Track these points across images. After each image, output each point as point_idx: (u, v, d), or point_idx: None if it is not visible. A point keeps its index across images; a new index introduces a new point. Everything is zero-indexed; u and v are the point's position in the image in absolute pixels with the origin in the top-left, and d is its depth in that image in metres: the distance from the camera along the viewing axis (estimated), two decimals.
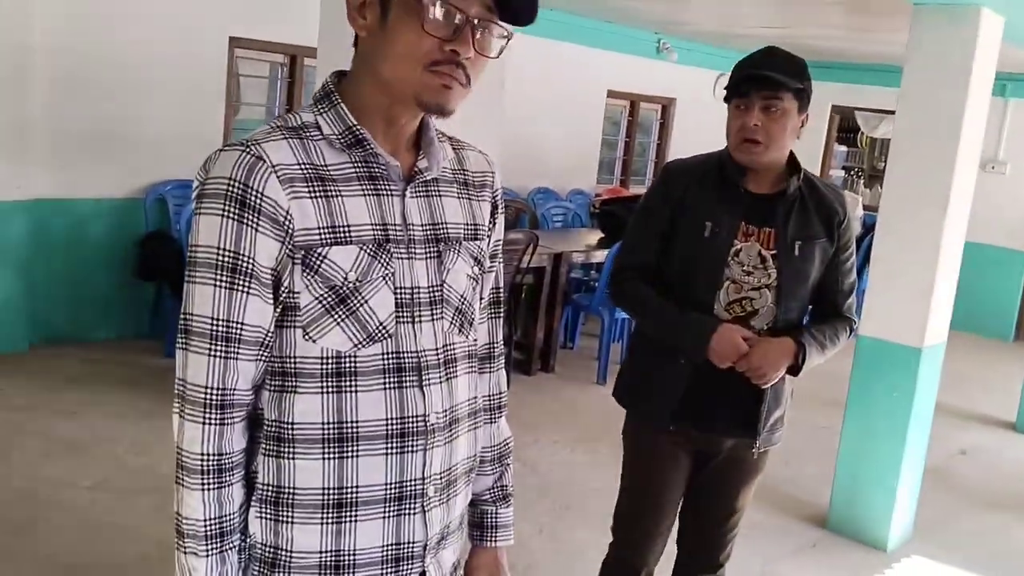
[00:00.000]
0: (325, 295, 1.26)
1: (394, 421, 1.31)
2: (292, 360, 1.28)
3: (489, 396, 1.55)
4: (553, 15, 7.85)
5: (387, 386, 1.30)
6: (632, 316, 2.60)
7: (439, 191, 1.38)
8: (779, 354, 2.31)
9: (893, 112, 4.10)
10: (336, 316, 1.27)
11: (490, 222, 1.48)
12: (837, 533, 4.33)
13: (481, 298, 1.47)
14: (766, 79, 2.24)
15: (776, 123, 2.28)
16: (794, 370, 2.37)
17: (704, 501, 2.59)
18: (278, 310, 1.27)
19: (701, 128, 10.24)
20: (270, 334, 1.27)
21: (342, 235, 1.26)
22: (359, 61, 1.31)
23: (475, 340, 1.46)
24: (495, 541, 1.57)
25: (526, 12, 1.28)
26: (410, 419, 1.32)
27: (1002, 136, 9.10)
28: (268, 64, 7.01)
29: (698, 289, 2.35)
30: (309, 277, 1.25)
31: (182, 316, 1.26)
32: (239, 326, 1.24)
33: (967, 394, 6.86)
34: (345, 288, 1.27)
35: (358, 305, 1.28)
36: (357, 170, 1.29)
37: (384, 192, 1.30)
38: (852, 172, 13.28)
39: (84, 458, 4.30)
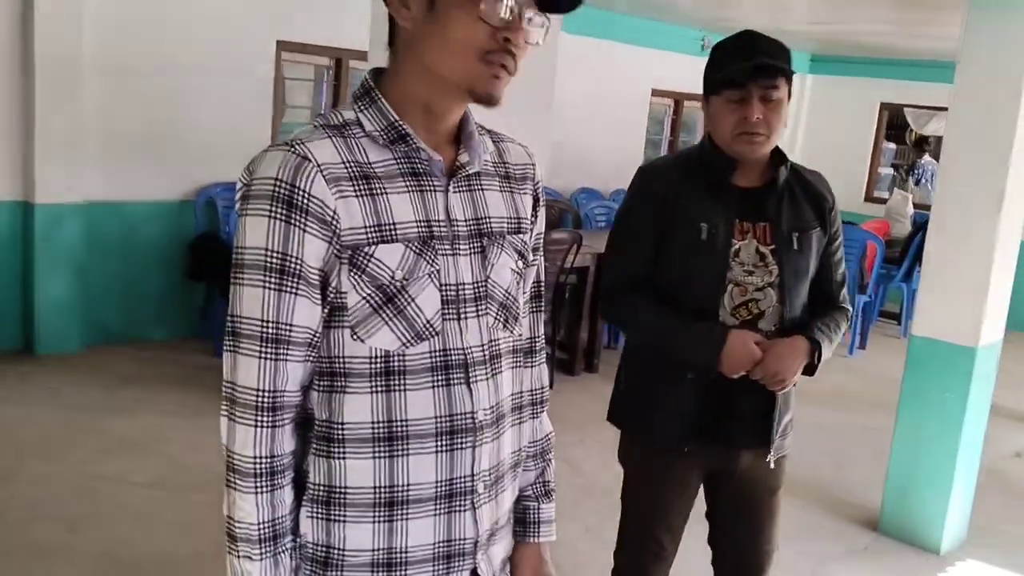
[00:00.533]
0: (373, 294, 1.25)
1: (443, 419, 1.30)
2: (341, 360, 1.28)
3: (532, 391, 1.53)
4: (596, 13, 7.83)
5: (435, 384, 1.30)
6: (630, 334, 2.40)
7: (481, 185, 1.37)
8: (794, 355, 2.20)
9: (944, 109, 4.02)
10: (384, 315, 1.26)
11: (532, 215, 1.46)
12: (889, 536, 4.26)
13: (523, 292, 1.46)
14: (765, 68, 2.11)
15: (775, 113, 2.14)
16: (810, 369, 2.26)
17: (731, 527, 2.45)
18: (326, 310, 1.26)
19: None
20: (318, 335, 1.27)
21: (388, 233, 1.25)
22: (402, 54, 1.29)
23: (519, 335, 1.45)
24: (538, 537, 1.56)
25: (565, 9, 1.29)
26: (459, 416, 1.32)
27: None
28: (313, 67, 7.07)
29: (700, 296, 2.21)
30: (356, 276, 1.24)
31: (229, 318, 1.26)
32: (288, 327, 1.23)
33: (1023, 395, 6.71)
34: (392, 287, 1.26)
35: (405, 304, 1.27)
36: (400, 166, 1.28)
37: (428, 188, 1.29)
38: (900, 169, 13.07)
39: (139, 456, 4.38)
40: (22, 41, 5.35)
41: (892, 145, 12.55)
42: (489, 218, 1.37)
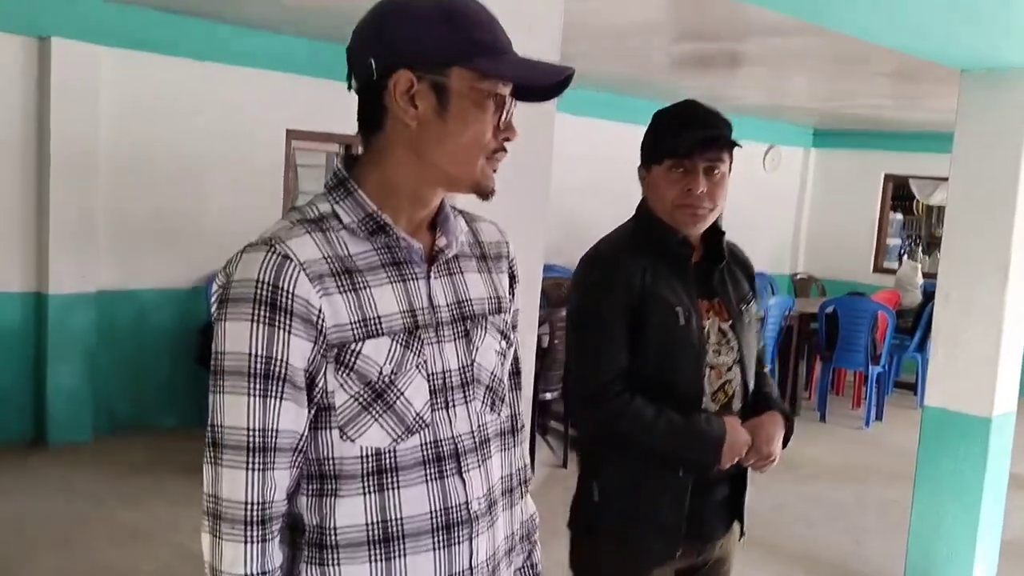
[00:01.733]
0: (361, 392, 1.22)
1: (438, 513, 1.27)
2: (330, 462, 1.24)
3: (516, 471, 1.47)
4: (597, 96, 7.98)
5: (428, 478, 1.27)
6: (633, 441, 2.07)
7: (460, 267, 1.36)
8: (778, 432, 2.12)
9: (947, 179, 4.06)
10: (373, 412, 1.23)
11: (510, 293, 1.46)
12: None
13: (506, 372, 1.45)
14: (714, 140, 2.04)
15: (719, 187, 2.07)
16: (785, 441, 2.17)
17: None
18: (312, 412, 1.23)
19: (750, 200, 10.24)
20: (304, 438, 1.22)
21: (374, 328, 1.22)
22: (394, 147, 1.27)
23: (506, 416, 1.43)
24: None
25: (546, 98, 1.33)
26: (453, 509, 1.29)
27: None
28: (324, 153, 7.21)
29: (684, 385, 2.06)
30: (344, 375, 1.21)
31: (210, 428, 1.20)
32: (274, 433, 1.19)
33: None
34: (381, 382, 1.23)
35: (395, 398, 1.24)
36: (381, 257, 1.26)
37: (409, 277, 1.28)
38: (909, 240, 13.10)
39: (148, 545, 4.33)
40: (37, 133, 5.48)
41: (899, 215, 12.59)
42: (471, 300, 1.36)
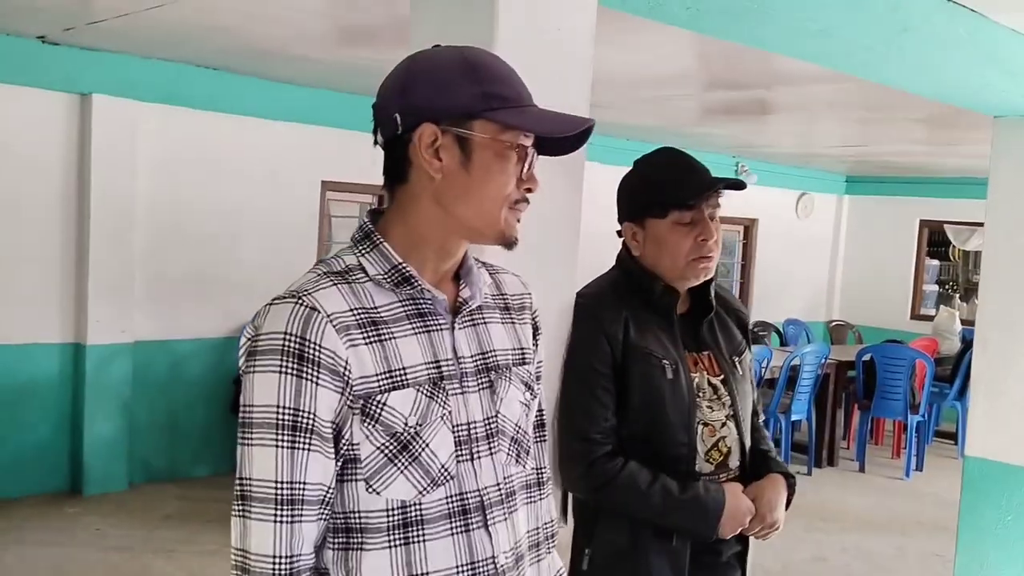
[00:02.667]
0: (387, 444, 1.22)
1: (464, 568, 1.27)
2: (356, 515, 1.24)
3: (543, 525, 1.47)
4: (629, 144, 8.02)
5: (454, 531, 1.26)
6: (625, 508, 1.94)
7: (484, 319, 1.37)
8: (780, 497, 2.04)
9: (983, 224, 4.02)
10: (399, 464, 1.23)
11: (533, 344, 1.46)
12: None
13: (531, 424, 1.44)
14: (721, 183, 1.95)
15: (718, 232, 1.98)
16: (787, 502, 2.08)
17: None
18: (338, 464, 1.23)
19: (784, 247, 10.21)
20: (331, 491, 1.22)
21: (399, 379, 1.23)
22: (418, 199, 1.28)
23: (531, 468, 1.42)
24: None
25: (568, 150, 1.35)
26: (480, 563, 1.28)
27: None
28: (358, 204, 7.28)
29: (673, 443, 1.94)
30: (369, 426, 1.21)
31: (238, 481, 1.21)
32: (302, 486, 1.19)
33: None
34: (407, 434, 1.23)
35: (420, 450, 1.24)
36: (406, 309, 1.27)
37: (434, 328, 1.29)
38: (947, 286, 12.95)
39: None
40: (78, 187, 5.60)
41: (935, 262, 12.45)
42: (495, 351, 1.36)
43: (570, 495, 2.06)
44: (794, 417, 6.97)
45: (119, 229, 5.66)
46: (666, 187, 1.96)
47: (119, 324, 5.70)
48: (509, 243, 1.30)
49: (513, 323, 1.42)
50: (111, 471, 5.71)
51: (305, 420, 1.18)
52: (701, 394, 2.00)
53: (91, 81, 5.51)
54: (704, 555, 2.00)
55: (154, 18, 4.39)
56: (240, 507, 1.20)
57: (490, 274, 1.44)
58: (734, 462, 2.03)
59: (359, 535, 1.24)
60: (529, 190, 1.29)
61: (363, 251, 1.29)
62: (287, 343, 1.18)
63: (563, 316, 1.96)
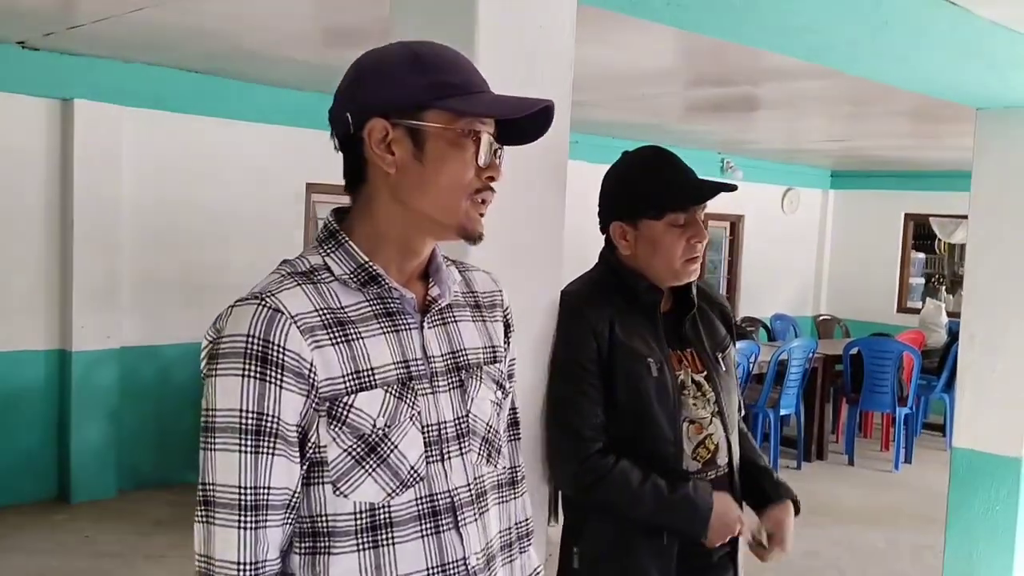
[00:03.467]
0: (354, 446, 1.20)
1: (435, 570, 1.25)
2: (323, 519, 1.21)
3: (517, 524, 1.45)
4: (614, 143, 8.03)
5: (424, 533, 1.24)
6: (616, 506, 1.93)
7: (454, 317, 1.35)
8: (791, 519, 2.09)
9: (967, 217, 4.04)
10: (367, 466, 1.21)
11: (505, 342, 1.44)
12: None
13: (503, 422, 1.42)
14: (714, 190, 1.96)
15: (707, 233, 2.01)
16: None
17: None
18: (304, 467, 1.20)
19: (771, 242, 10.23)
20: (297, 495, 1.20)
21: (367, 380, 1.21)
22: (377, 196, 1.27)
23: (503, 468, 1.41)
24: None
25: (532, 137, 1.32)
26: (451, 564, 1.26)
27: None
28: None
29: (661, 443, 1.94)
30: (336, 429, 1.19)
31: (201, 487, 1.19)
32: (266, 491, 1.16)
33: None
34: (375, 435, 1.21)
35: (388, 451, 1.22)
36: (373, 308, 1.25)
37: (403, 327, 1.26)
38: (933, 279, 13.01)
39: None
40: (61, 193, 5.56)
41: (921, 255, 12.51)
42: (465, 350, 1.34)
43: (560, 493, 2.05)
44: (783, 412, 7.00)
45: (104, 234, 5.63)
46: (665, 189, 1.96)
47: (105, 330, 5.67)
48: (471, 237, 1.27)
49: (484, 321, 1.40)
50: (99, 478, 5.67)
51: (269, 424, 1.16)
52: (686, 391, 1.99)
53: (73, 86, 5.48)
54: (694, 555, 1.99)
55: (135, 22, 4.37)
56: (203, 513, 1.18)
57: (460, 272, 1.41)
58: (722, 459, 2.03)
59: (326, 539, 1.21)
60: (491, 178, 1.27)
61: (328, 250, 1.27)
62: (250, 346, 1.16)
63: (549, 315, 1.96)
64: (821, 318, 10.50)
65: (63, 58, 5.40)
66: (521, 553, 1.46)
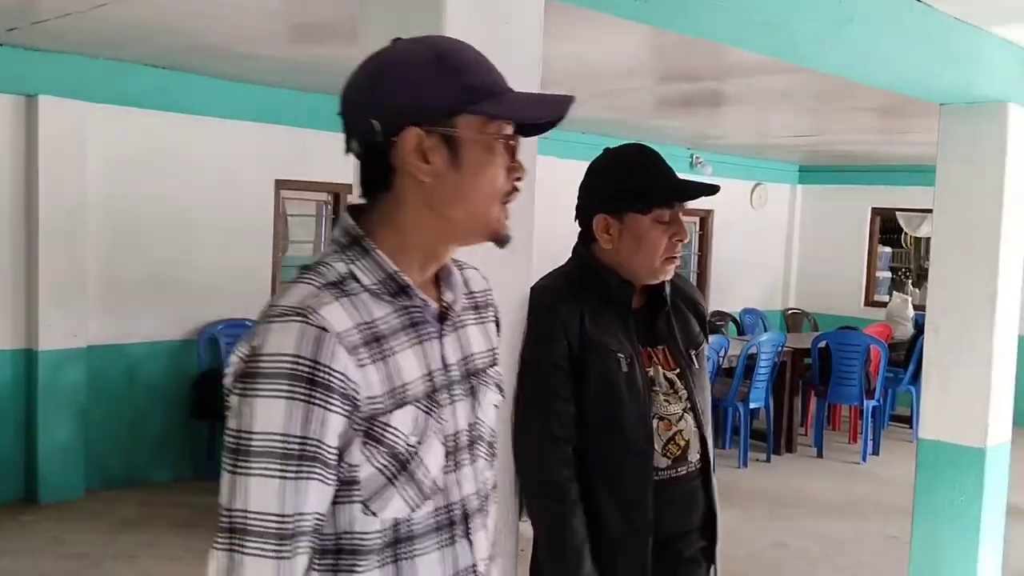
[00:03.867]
0: (388, 464, 1.16)
1: None
2: (349, 537, 1.17)
3: (497, 526, 1.44)
4: (583, 138, 8.05)
5: (441, 544, 1.22)
6: (537, 531, 1.95)
7: (463, 321, 1.32)
8: None
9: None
10: (398, 484, 1.17)
11: (497, 341, 1.42)
12: None
13: None
14: (701, 190, 1.98)
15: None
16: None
17: None
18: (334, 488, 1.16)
19: (740, 237, 10.30)
20: (324, 517, 1.15)
21: (400, 397, 1.17)
22: (407, 204, 1.22)
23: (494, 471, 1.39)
24: None
25: (545, 129, 1.30)
26: (462, 572, 1.25)
27: None
28: (314, 203, 7.24)
29: (631, 439, 1.94)
30: (371, 448, 1.15)
31: (227, 513, 1.11)
32: (302, 517, 1.11)
33: None
34: (407, 453, 1.17)
35: (416, 467, 1.18)
36: (400, 319, 1.20)
37: (425, 337, 1.23)
38: (899, 273, 13.16)
39: None
40: (25, 190, 5.49)
41: (888, 249, 12.65)
42: (473, 355, 1.31)
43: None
44: (752, 405, 7.05)
45: (69, 232, 5.57)
46: (653, 185, 1.97)
47: (71, 329, 5.60)
48: (503, 240, 1.25)
49: (483, 322, 1.37)
50: (67, 478, 5.61)
51: (311, 448, 1.10)
52: (656, 388, 2.00)
53: (37, 82, 5.41)
54: (666, 551, 2.01)
55: (100, 17, 4.32)
56: (228, 540, 1.10)
57: (458, 270, 1.36)
58: (693, 455, 2.04)
59: (350, 557, 1.17)
60: (518, 179, 1.25)
61: (352, 258, 1.21)
62: (297, 367, 1.09)
63: (519, 310, 1.96)
64: (790, 312, 10.60)
65: (27, 54, 5.32)
66: (496, 555, 1.44)
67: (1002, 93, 3.81)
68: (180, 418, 6.04)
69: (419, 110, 1.18)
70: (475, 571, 1.26)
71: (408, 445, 1.17)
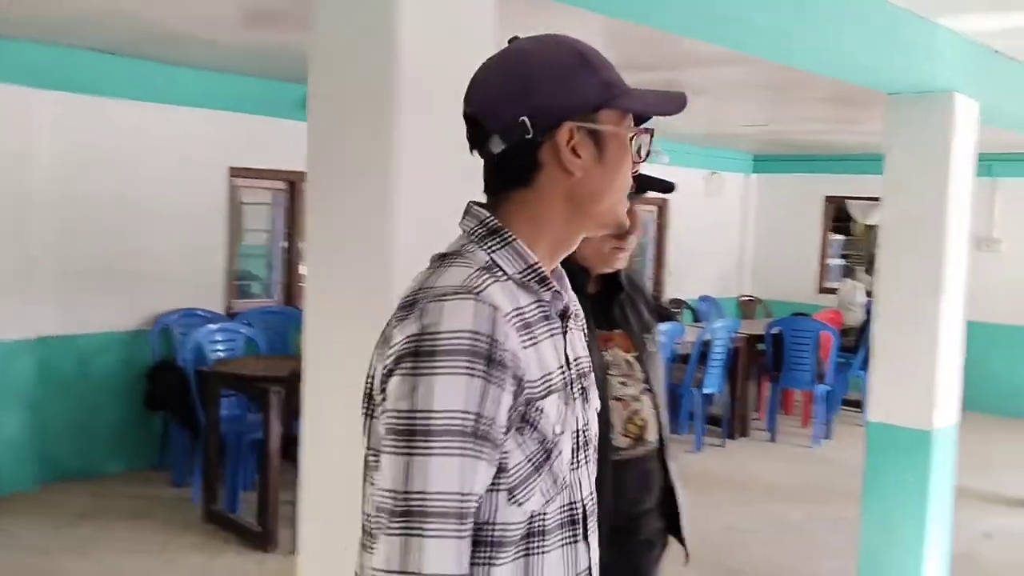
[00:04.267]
0: (535, 452, 1.15)
1: None
2: (490, 528, 1.14)
3: None
4: None
5: (564, 542, 1.21)
6: None
7: (571, 323, 1.31)
8: None
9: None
10: (541, 473, 1.16)
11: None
12: None
13: None
14: (657, 186, 2.01)
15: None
16: None
17: None
18: None
19: (695, 226, 10.39)
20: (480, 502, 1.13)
21: (548, 384, 1.17)
22: (549, 198, 1.23)
23: None
24: None
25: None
26: (580, 575, 1.24)
27: (993, 215, 9.21)
28: (270, 191, 7.17)
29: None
30: (525, 433, 1.14)
31: (404, 495, 1.08)
32: (474, 498, 1.10)
33: (988, 476, 6.74)
34: (552, 442, 1.17)
35: (555, 458, 1.18)
36: (538, 311, 1.21)
37: (556, 332, 1.23)
38: (851, 260, 13.36)
39: None
40: None
41: (840, 236, 12.84)
42: (580, 358, 1.30)
43: None
44: (707, 391, 7.14)
45: (17, 221, 5.46)
46: None
47: (21, 320, 5.50)
48: (625, 231, 1.33)
49: (581, 329, 1.36)
50: (19, 471, 5.52)
51: (483, 427, 1.09)
52: (614, 370, 2.05)
53: None
54: (620, 534, 2.02)
55: (49, 2, 4.24)
56: (404, 524, 1.08)
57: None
58: (651, 435, 2.08)
59: (488, 549, 1.14)
60: (636, 173, 1.30)
61: (493, 247, 1.21)
62: (477, 343, 1.09)
63: None
64: (744, 299, 10.72)
65: None
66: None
67: (949, 83, 3.89)
68: (133, 409, 5.97)
69: (571, 107, 1.21)
70: (590, 574, 1.25)
71: (554, 434, 1.17)
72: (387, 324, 1.20)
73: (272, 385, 4.77)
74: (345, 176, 1.85)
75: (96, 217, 5.84)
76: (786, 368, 7.63)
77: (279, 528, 4.73)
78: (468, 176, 1.93)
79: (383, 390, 1.14)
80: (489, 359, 1.09)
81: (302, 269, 7.02)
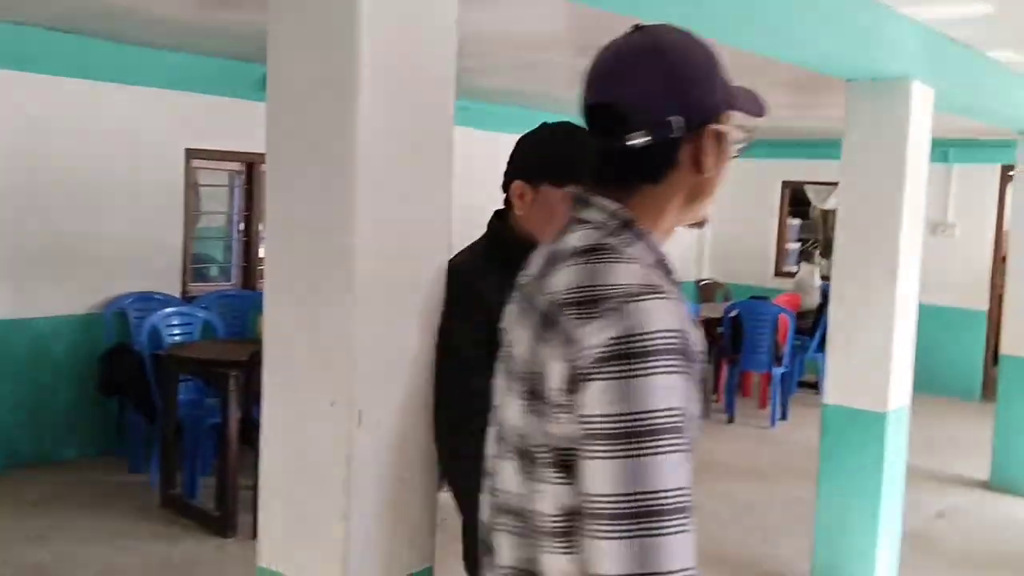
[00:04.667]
0: (691, 439, 1.16)
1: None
2: None
3: None
4: (504, 110, 8.05)
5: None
6: (466, 508, 1.86)
7: None
8: None
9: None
10: (690, 459, 1.17)
11: None
12: None
13: None
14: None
15: None
16: None
17: None
18: None
19: None
20: None
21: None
22: (675, 195, 1.28)
23: None
24: None
25: None
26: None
27: (949, 200, 9.36)
28: (227, 173, 7.08)
29: None
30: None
31: (631, 497, 1.07)
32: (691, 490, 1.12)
33: (939, 456, 6.89)
34: (694, 428, 1.18)
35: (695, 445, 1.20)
36: None
37: None
38: (808, 244, 13.52)
39: None
40: None
41: (797, 221, 12.99)
42: None
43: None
44: None
45: None
46: (574, 160, 1.87)
47: None
48: (703, 223, 1.37)
49: None
50: None
51: (686, 420, 1.12)
52: None
53: None
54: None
55: None
56: (636, 526, 1.06)
57: None
58: None
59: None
60: None
61: (627, 241, 1.23)
62: (682, 342, 1.12)
63: (436, 286, 1.95)
64: (704, 282, 10.81)
65: None
66: None
67: (906, 70, 3.94)
68: (87, 394, 5.88)
69: (716, 108, 1.26)
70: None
71: (695, 420, 1.17)
72: (546, 317, 1.19)
73: (231, 369, 4.73)
74: (305, 158, 1.83)
75: (48, 199, 5.73)
76: (744, 351, 7.71)
77: (239, 513, 4.70)
78: (428, 158, 1.93)
79: (570, 391, 1.13)
80: (687, 355, 1.12)
81: (261, 252, 6.96)
